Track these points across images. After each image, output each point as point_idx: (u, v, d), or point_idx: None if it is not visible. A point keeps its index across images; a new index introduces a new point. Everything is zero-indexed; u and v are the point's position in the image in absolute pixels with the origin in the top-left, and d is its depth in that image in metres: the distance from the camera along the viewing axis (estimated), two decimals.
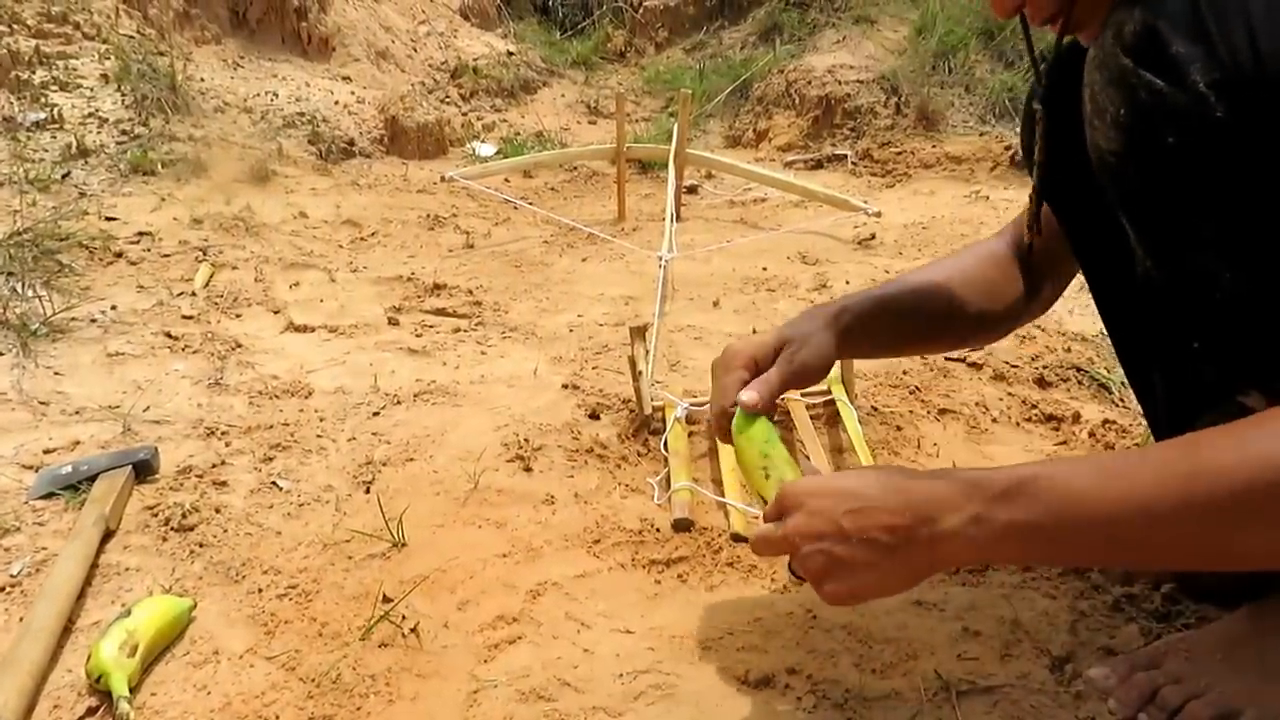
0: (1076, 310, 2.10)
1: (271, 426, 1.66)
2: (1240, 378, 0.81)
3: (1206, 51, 0.69)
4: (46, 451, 1.56)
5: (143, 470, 1.47)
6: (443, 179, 3.07)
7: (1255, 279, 0.74)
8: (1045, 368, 1.79)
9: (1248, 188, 0.70)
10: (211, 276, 2.37)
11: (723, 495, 1.40)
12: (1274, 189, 0.69)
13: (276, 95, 3.65)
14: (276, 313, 2.20)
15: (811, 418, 1.61)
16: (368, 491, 1.46)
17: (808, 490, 0.83)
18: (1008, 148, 3.54)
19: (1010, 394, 1.71)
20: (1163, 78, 0.72)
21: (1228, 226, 0.73)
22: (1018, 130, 3.66)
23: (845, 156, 3.78)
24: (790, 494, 0.84)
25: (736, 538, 1.30)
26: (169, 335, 2.01)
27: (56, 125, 2.94)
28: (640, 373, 1.62)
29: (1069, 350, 1.89)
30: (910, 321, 1.13)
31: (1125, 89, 0.75)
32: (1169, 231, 0.78)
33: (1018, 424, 1.61)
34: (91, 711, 1.03)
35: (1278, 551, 0.67)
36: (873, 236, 2.82)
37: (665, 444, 1.54)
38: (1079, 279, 1.11)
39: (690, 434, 1.59)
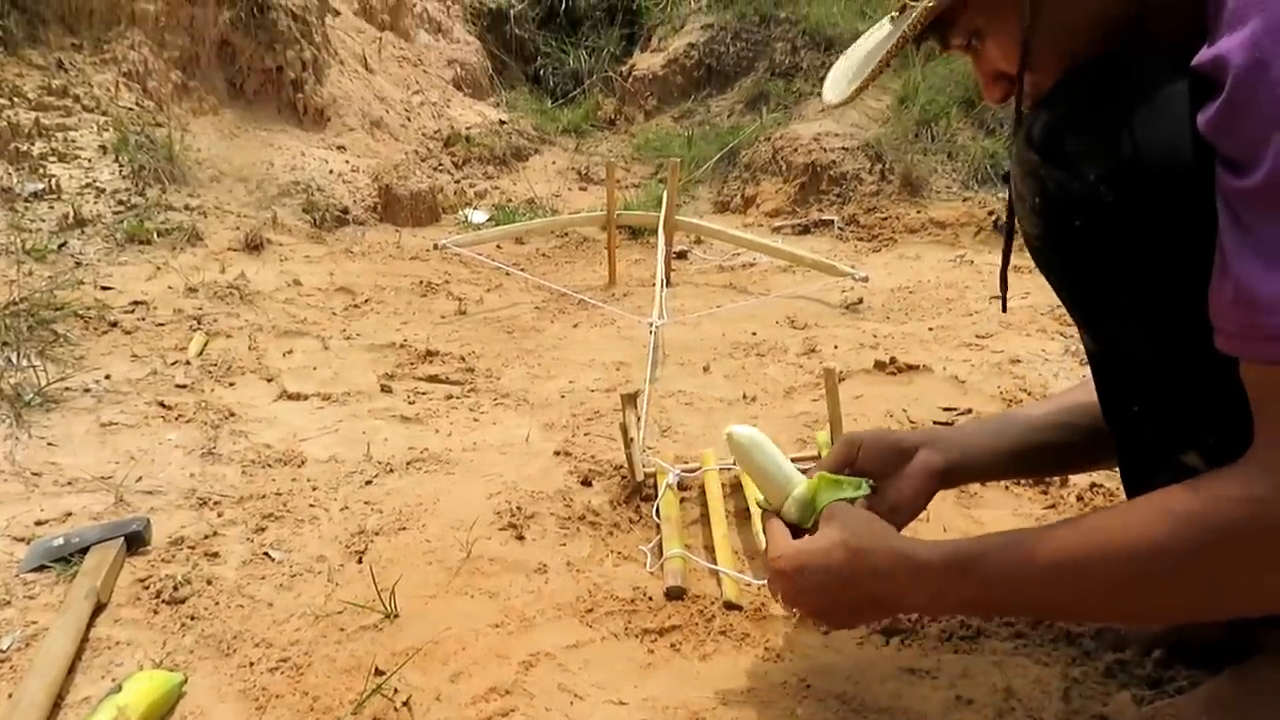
0: (1062, 374, 2.13)
1: (264, 496, 1.66)
2: (1177, 439, 0.86)
3: (1096, 147, 0.80)
4: (38, 523, 1.56)
5: (135, 542, 1.47)
6: (435, 246, 3.10)
7: (1170, 346, 0.82)
8: None
9: (1144, 264, 0.80)
10: (205, 345, 2.38)
11: (715, 562, 1.40)
12: (1166, 264, 0.79)
13: (272, 164, 3.70)
14: (270, 381, 2.22)
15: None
16: (360, 561, 1.46)
17: (788, 569, 0.99)
18: (990, 212, 3.61)
19: None
20: (1063, 170, 0.82)
21: (1136, 299, 0.82)
22: (1000, 196, 3.74)
23: (832, 222, 3.84)
24: (774, 569, 1.01)
25: (729, 605, 1.30)
26: (162, 405, 2.02)
27: (54, 195, 2.97)
28: (632, 439, 1.63)
29: None
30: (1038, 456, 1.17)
31: (1036, 180, 0.85)
32: (1090, 304, 0.88)
33: (1006, 488, 1.62)
34: None
35: (1174, 610, 0.84)
36: (860, 301, 2.86)
37: (657, 511, 1.55)
38: None
39: (682, 500, 1.60)
